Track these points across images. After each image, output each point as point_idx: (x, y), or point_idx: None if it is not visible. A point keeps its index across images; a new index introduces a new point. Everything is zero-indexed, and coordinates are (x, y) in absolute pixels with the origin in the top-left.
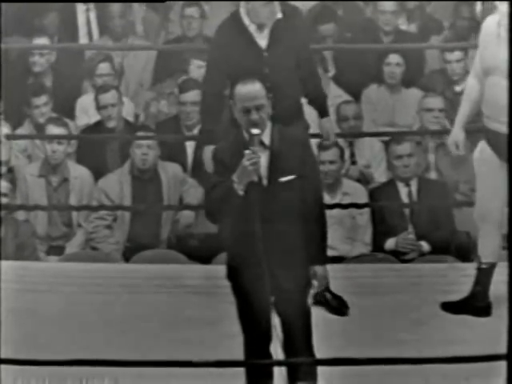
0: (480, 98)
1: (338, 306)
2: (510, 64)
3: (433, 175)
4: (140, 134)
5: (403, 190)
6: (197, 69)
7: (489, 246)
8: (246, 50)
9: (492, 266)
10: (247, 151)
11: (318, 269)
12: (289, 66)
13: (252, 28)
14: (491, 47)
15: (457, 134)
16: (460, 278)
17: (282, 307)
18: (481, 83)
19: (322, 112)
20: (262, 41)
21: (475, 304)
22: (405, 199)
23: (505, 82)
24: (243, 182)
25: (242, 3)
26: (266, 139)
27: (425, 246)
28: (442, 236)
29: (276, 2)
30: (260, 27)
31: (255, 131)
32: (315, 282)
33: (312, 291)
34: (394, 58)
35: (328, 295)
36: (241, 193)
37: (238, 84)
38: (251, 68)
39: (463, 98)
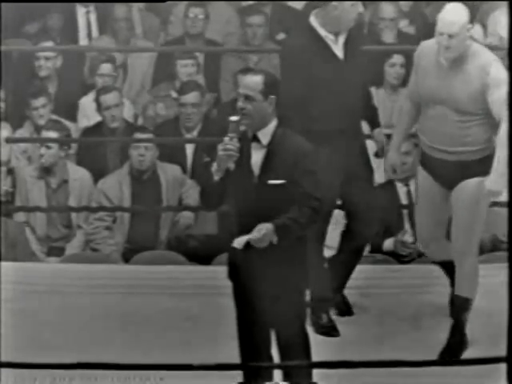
0: (413, 122)
1: (346, 309)
2: (510, 64)
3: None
4: (139, 136)
5: (402, 190)
6: (183, 68)
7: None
8: (326, 61)
9: (466, 301)
10: (225, 137)
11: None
12: (361, 76)
13: (329, 39)
14: (432, 77)
15: (393, 158)
16: None
17: (275, 310)
18: (416, 107)
19: (374, 123)
20: (339, 52)
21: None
22: (403, 199)
23: (449, 112)
24: (220, 169)
25: (314, 13)
26: (266, 138)
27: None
28: None
29: (351, 10)
30: (336, 36)
31: (233, 118)
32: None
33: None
34: (398, 59)
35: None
36: (216, 178)
37: (243, 73)
38: (332, 79)
39: (398, 121)
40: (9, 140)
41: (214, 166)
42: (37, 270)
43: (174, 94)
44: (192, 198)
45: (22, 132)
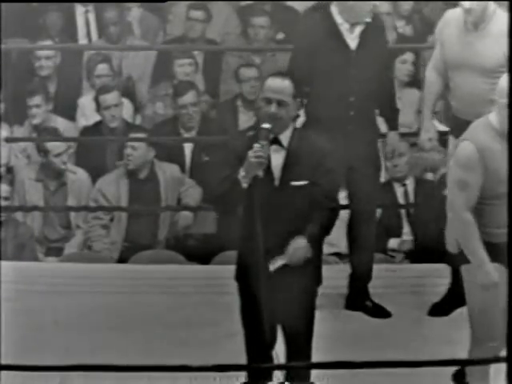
0: (441, 91)
1: (377, 311)
2: (510, 64)
3: (429, 176)
4: (136, 135)
5: (399, 190)
6: (180, 68)
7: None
8: (334, 49)
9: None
10: (255, 144)
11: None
12: (374, 70)
13: (344, 27)
14: (457, 43)
15: (429, 129)
16: None
17: (286, 315)
18: (442, 76)
19: (392, 125)
20: (352, 41)
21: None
22: (401, 199)
23: (477, 75)
24: (248, 175)
25: (335, 2)
26: (285, 140)
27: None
28: (439, 237)
29: (371, 3)
30: (352, 27)
31: (265, 125)
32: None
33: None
34: (409, 56)
35: (368, 303)
36: (244, 185)
37: (270, 76)
38: (338, 67)
39: (426, 92)
40: (8, 140)
41: (241, 173)
42: (37, 269)
43: (173, 94)
44: (191, 197)
45: (22, 130)
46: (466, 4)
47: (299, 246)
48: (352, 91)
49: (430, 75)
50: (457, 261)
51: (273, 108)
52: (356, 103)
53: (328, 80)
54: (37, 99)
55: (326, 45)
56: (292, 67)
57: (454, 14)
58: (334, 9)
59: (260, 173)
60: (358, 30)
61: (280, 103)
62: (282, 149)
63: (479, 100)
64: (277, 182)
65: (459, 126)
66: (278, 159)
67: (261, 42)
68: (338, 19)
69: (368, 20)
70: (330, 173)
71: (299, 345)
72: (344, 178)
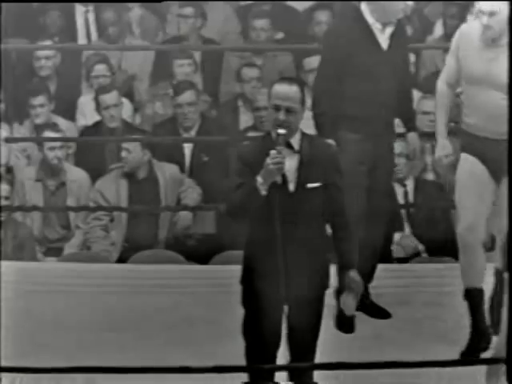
0: (451, 105)
1: (377, 312)
2: (510, 64)
3: (430, 176)
4: (132, 136)
5: (399, 191)
6: (179, 68)
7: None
8: (367, 49)
9: (481, 291)
10: (272, 151)
11: (352, 274)
12: (402, 70)
13: (376, 27)
14: (474, 58)
15: (445, 146)
16: (457, 279)
17: (294, 315)
18: (453, 90)
19: (410, 127)
20: (384, 42)
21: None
22: (401, 199)
23: (494, 91)
24: (267, 182)
25: (366, 1)
26: (296, 144)
27: (419, 246)
28: (439, 236)
29: (402, 2)
30: (384, 27)
31: (281, 131)
32: (351, 287)
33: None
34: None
35: (369, 303)
36: (263, 193)
37: (277, 82)
38: (371, 67)
39: (438, 107)
40: (8, 140)
41: (259, 180)
42: (37, 269)
43: (172, 93)
44: (190, 197)
45: (22, 130)
46: (484, 20)
47: (356, 282)
48: (382, 91)
49: (442, 88)
50: None
51: (281, 115)
52: (386, 103)
53: (361, 80)
54: (41, 99)
55: (360, 45)
56: (322, 72)
57: (471, 29)
58: (365, 8)
59: (278, 178)
60: (389, 30)
61: (288, 110)
62: (293, 153)
63: (497, 116)
64: (291, 186)
65: (472, 143)
66: (291, 163)
67: (262, 44)
68: (370, 19)
69: (399, 18)
70: (339, 173)
71: (304, 349)
72: (366, 176)
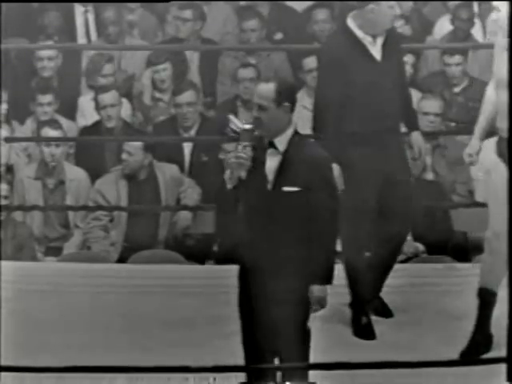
0: (497, 110)
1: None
2: (510, 65)
3: (430, 176)
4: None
5: None
6: (156, 74)
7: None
8: (362, 63)
9: (494, 295)
10: (238, 146)
11: (315, 288)
12: (398, 77)
13: (366, 41)
14: (502, 60)
15: (474, 147)
16: (457, 279)
17: (278, 315)
18: (497, 94)
19: (412, 126)
20: (377, 53)
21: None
22: None
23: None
24: (233, 176)
25: (351, 15)
26: (282, 145)
27: (420, 247)
28: (439, 236)
29: (388, 12)
30: (374, 39)
31: (246, 126)
32: (312, 302)
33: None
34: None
35: (376, 303)
36: (229, 186)
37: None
38: (368, 80)
39: (482, 109)
40: (8, 140)
41: (227, 174)
42: (36, 269)
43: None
44: (190, 197)
45: (24, 128)
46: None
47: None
48: (384, 102)
49: (491, 94)
50: None
51: (254, 112)
52: (389, 113)
53: (361, 94)
54: (49, 97)
55: (354, 61)
56: (321, 90)
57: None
58: (352, 24)
59: (243, 174)
60: (380, 41)
61: (260, 107)
62: (278, 153)
63: None
64: (270, 186)
65: (505, 147)
66: (272, 163)
67: (254, 45)
68: (359, 33)
69: (388, 28)
70: (327, 183)
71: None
72: (377, 190)
